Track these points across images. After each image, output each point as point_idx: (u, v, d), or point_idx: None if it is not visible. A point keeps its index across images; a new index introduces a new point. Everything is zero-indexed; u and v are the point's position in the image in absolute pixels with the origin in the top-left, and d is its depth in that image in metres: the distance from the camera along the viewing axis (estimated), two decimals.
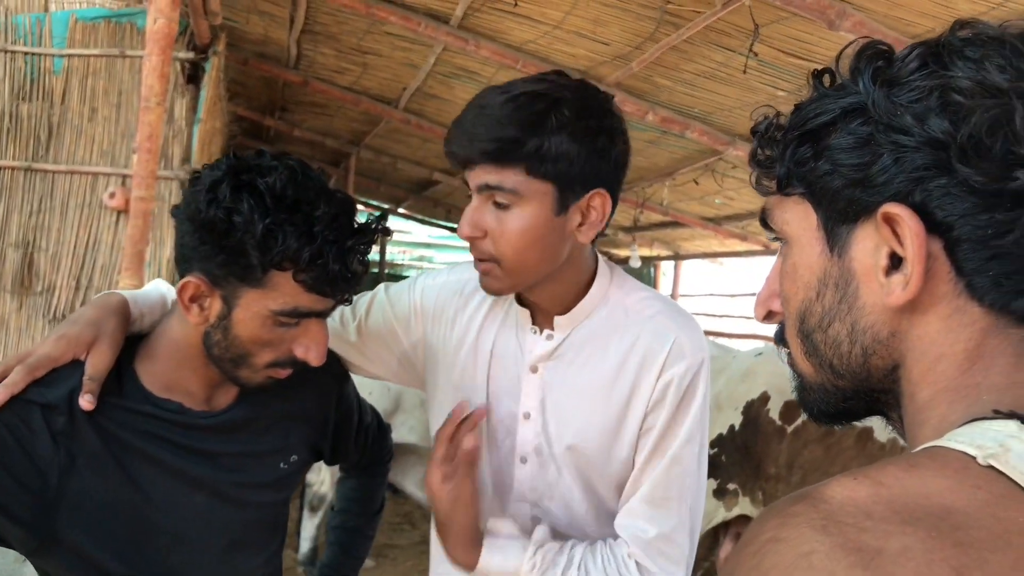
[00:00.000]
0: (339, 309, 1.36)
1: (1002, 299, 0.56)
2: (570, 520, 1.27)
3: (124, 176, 4.45)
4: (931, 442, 0.52)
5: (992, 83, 0.54)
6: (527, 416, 1.25)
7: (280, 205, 1.03)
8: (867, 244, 0.59)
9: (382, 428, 1.57)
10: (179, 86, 4.55)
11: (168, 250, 4.44)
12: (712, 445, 3.08)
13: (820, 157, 0.61)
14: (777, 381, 2.99)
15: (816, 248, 0.63)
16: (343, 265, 1.07)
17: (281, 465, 1.28)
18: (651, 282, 10.59)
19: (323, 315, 1.13)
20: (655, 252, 9.60)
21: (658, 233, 8.41)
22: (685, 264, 9.94)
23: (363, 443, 1.50)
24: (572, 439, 1.22)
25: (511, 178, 1.09)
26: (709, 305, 10.39)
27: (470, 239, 1.15)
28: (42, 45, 4.53)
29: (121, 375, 1.13)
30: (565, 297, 1.23)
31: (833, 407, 0.67)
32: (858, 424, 0.70)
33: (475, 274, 1.27)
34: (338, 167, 9.21)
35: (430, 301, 1.35)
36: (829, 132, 0.60)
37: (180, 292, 1.09)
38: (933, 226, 0.56)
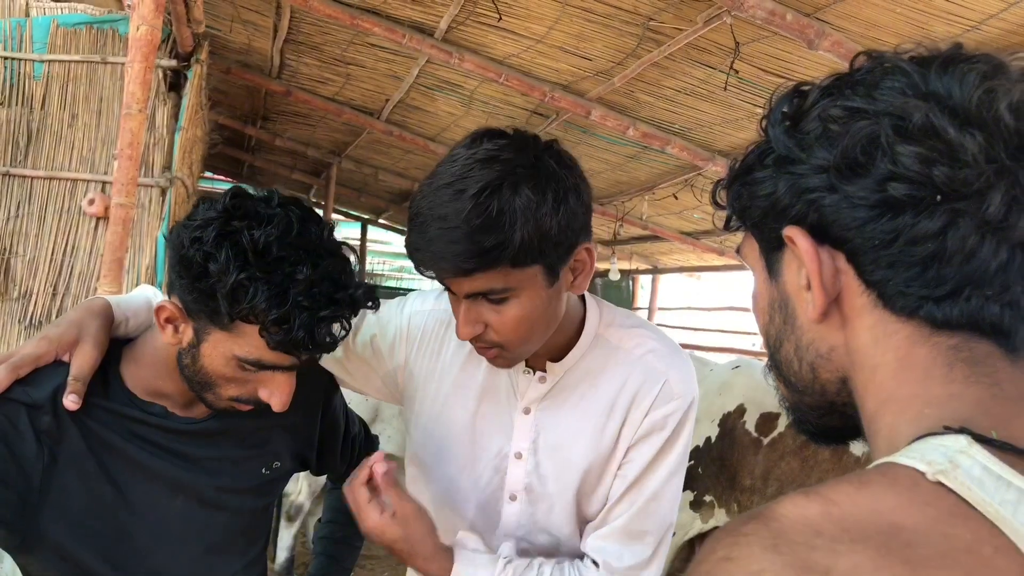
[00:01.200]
0: None
1: (910, 306, 0.58)
2: (557, 551, 1.27)
3: (104, 183, 4.42)
4: (884, 457, 0.54)
5: (862, 107, 0.59)
6: (519, 456, 1.24)
7: (260, 261, 1.01)
8: (792, 267, 0.64)
9: (369, 438, 1.57)
10: (160, 93, 4.53)
11: (147, 258, 4.41)
12: (688, 457, 3.11)
13: (744, 194, 0.67)
14: (753, 394, 3.02)
15: (762, 276, 0.69)
16: (308, 334, 1.03)
17: (263, 471, 1.28)
18: (630, 295, 10.64)
19: (290, 369, 1.11)
20: (634, 265, 9.65)
21: (637, 247, 8.46)
22: (663, 278, 10.00)
23: (350, 453, 1.49)
24: (570, 479, 1.22)
25: (499, 280, 1.04)
26: (686, 319, 10.45)
27: (469, 337, 1.10)
28: (22, 50, 4.49)
29: (107, 377, 1.14)
30: (557, 344, 1.21)
31: (815, 425, 0.70)
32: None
33: None
34: (319, 177, 9.19)
35: (416, 328, 1.33)
36: (752, 171, 0.66)
37: (157, 312, 1.10)
38: (834, 242, 0.60)
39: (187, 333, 1.09)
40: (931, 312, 0.58)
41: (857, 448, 2.52)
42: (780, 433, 2.80)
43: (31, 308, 4.36)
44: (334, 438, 1.43)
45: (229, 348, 1.06)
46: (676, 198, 5.87)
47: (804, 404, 0.68)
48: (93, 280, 4.32)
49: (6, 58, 4.47)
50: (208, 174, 9.77)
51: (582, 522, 1.26)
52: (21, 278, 4.41)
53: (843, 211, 0.59)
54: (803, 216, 0.61)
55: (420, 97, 5.39)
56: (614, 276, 8.09)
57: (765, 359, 0.75)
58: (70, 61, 4.49)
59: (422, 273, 1.08)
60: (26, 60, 4.48)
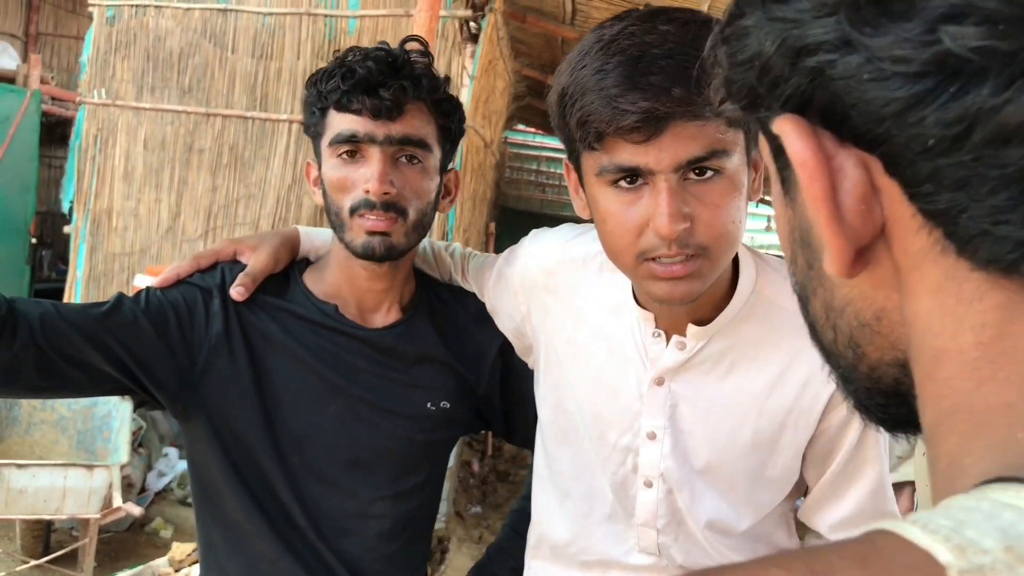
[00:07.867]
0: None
1: (1003, 256, 0.31)
2: (710, 543, 1.06)
3: None
4: (902, 522, 0.30)
5: None
6: (652, 436, 1.04)
7: (339, 70, 1.14)
8: None
9: None
10: (457, 43, 4.72)
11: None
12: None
13: (724, 61, 0.42)
14: None
15: (775, 189, 0.43)
16: (363, 71, 1.11)
17: (428, 405, 1.26)
18: None
19: (371, 140, 1.13)
20: None
21: None
22: None
23: None
24: (709, 459, 1.03)
25: (715, 137, 0.83)
26: None
27: (677, 235, 0.86)
28: (340, 8, 4.91)
29: (288, 281, 1.26)
30: (702, 302, 0.97)
31: (880, 413, 0.43)
32: None
33: (597, 245, 1.00)
34: None
35: (531, 272, 1.18)
36: (736, 19, 0.40)
37: (307, 175, 1.26)
38: (859, 140, 0.34)
39: (319, 176, 1.21)
40: None
41: None
42: None
43: None
44: (523, 407, 1.34)
45: (326, 143, 1.16)
46: None
47: (856, 388, 0.42)
48: None
49: (327, 16, 4.92)
50: (521, 126, 10.12)
51: (735, 509, 1.05)
52: None
53: (866, 85, 0.32)
54: (804, 96, 0.35)
55: None
56: None
57: None
58: (378, 16, 4.83)
59: (599, 138, 0.86)
60: (342, 17, 4.89)
